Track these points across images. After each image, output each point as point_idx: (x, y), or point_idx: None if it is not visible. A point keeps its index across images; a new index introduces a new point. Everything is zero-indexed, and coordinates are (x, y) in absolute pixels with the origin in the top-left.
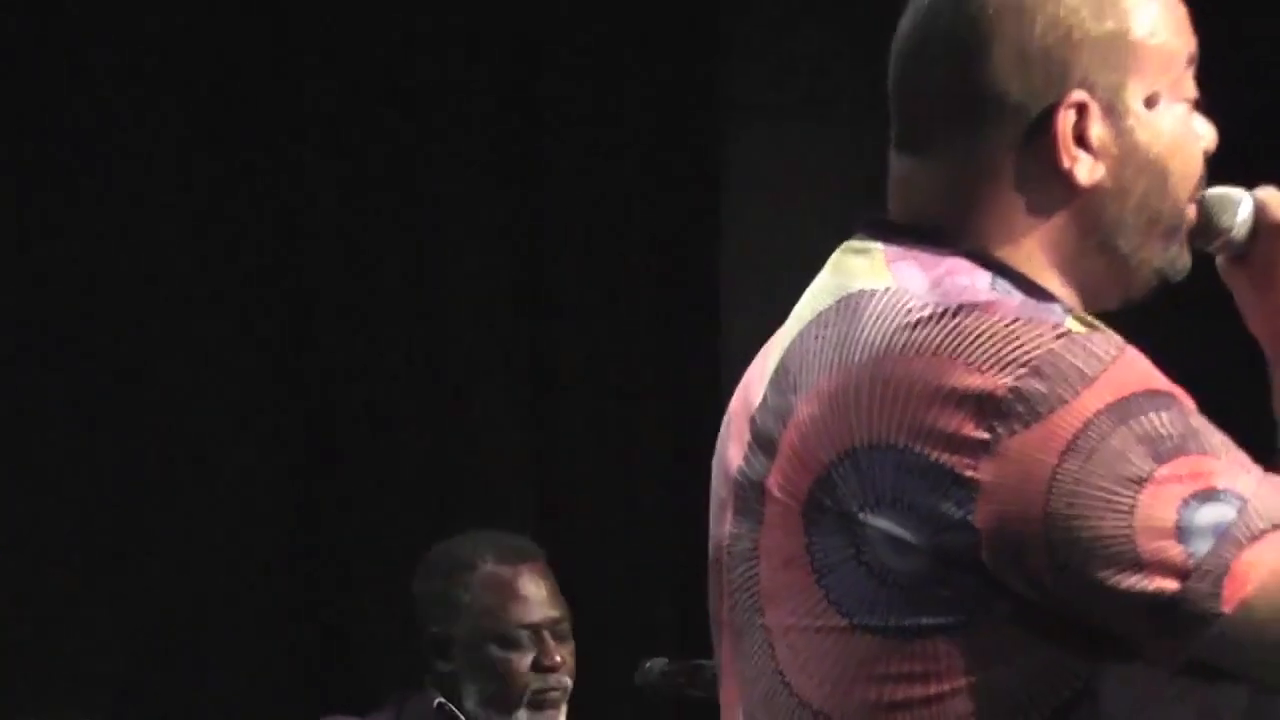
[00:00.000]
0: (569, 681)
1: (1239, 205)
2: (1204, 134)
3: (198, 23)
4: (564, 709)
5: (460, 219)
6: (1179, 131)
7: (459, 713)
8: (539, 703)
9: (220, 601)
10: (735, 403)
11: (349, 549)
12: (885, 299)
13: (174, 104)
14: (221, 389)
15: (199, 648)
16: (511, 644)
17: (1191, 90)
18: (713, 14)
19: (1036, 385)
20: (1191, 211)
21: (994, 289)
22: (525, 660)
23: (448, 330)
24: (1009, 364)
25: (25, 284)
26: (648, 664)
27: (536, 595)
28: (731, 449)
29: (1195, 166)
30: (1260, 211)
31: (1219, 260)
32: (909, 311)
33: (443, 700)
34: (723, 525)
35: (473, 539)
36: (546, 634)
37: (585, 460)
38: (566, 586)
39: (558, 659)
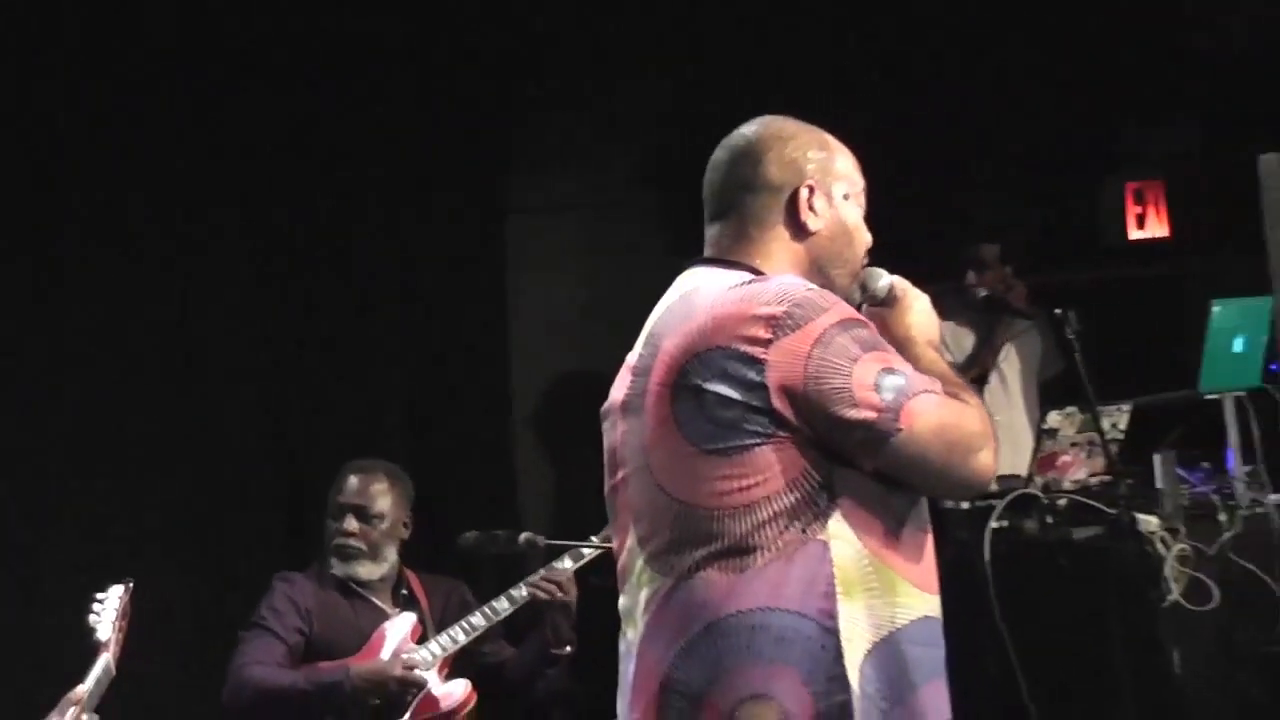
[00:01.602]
0: (362, 546)
1: (881, 278)
2: (868, 236)
3: None
4: (367, 564)
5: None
6: (858, 219)
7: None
8: (341, 555)
9: (232, 496)
10: (622, 372)
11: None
12: (710, 287)
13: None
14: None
15: (217, 517)
16: (331, 515)
17: (863, 207)
18: (506, 137)
19: (798, 310)
20: (861, 275)
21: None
22: (334, 526)
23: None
24: (782, 301)
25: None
26: (463, 535)
27: (354, 487)
28: (615, 392)
29: (865, 242)
30: (892, 285)
31: (864, 307)
32: (727, 287)
33: (335, 562)
34: (616, 432)
35: (356, 461)
36: (350, 511)
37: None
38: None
39: (348, 527)
